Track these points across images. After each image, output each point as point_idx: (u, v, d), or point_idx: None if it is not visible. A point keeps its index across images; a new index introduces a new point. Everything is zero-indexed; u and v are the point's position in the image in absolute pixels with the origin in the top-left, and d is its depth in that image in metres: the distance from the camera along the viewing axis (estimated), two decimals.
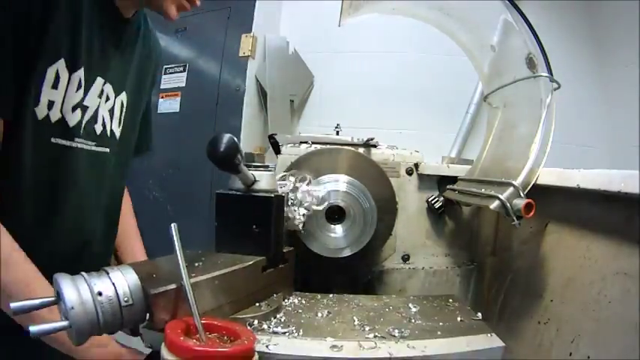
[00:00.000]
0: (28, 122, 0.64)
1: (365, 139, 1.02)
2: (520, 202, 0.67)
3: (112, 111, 0.80)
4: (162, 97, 2.10)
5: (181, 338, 0.47)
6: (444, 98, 2.11)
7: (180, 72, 2.10)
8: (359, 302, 0.77)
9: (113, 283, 0.49)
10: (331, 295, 0.80)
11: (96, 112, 0.75)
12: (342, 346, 0.57)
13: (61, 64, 0.64)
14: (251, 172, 0.69)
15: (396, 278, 1.03)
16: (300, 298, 0.77)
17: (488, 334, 0.63)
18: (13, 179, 0.66)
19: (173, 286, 0.52)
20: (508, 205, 0.69)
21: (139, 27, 0.86)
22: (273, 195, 0.69)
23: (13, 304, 0.46)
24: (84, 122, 0.72)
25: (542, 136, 0.77)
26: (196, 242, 0.70)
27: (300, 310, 0.71)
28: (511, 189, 0.71)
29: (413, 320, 0.69)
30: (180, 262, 0.51)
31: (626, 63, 1.78)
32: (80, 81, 0.69)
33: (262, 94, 2.08)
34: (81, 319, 0.46)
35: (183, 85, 2.09)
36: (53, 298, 0.48)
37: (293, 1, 2.28)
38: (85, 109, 0.72)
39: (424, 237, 1.04)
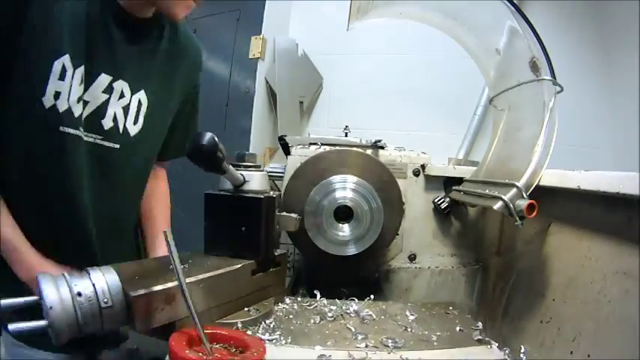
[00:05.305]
0: (37, 111, 0.68)
1: (373, 141, 1.04)
2: (523, 203, 0.67)
3: (126, 108, 0.80)
4: None
5: (186, 351, 0.45)
6: (453, 100, 2.11)
7: None
8: (355, 308, 0.74)
9: (93, 284, 0.48)
10: (326, 301, 0.78)
11: (103, 107, 0.76)
12: (330, 355, 0.55)
13: (66, 59, 0.69)
14: (240, 172, 0.67)
15: (403, 277, 1.05)
16: (293, 303, 0.75)
17: (489, 346, 0.61)
18: (16, 163, 0.71)
19: (154, 288, 0.50)
20: (511, 205, 0.69)
21: (162, 26, 0.85)
22: (262, 196, 0.67)
23: (2, 302, 0.46)
24: (84, 115, 0.74)
25: (545, 138, 0.77)
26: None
27: (291, 316, 0.69)
28: (514, 190, 0.71)
29: (409, 329, 0.67)
30: (176, 267, 0.49)
31: (631, 65, 1.78)
32: (82, 77, 0.72)
33: (272, 95, 2.10)
34: (60, 318, 0.45)
35: None
36: (37, 298, 0.48)
37: (302, 1, 2.30)
38: (85, 103, 0.74)
39: (430, 237, 1.05)
